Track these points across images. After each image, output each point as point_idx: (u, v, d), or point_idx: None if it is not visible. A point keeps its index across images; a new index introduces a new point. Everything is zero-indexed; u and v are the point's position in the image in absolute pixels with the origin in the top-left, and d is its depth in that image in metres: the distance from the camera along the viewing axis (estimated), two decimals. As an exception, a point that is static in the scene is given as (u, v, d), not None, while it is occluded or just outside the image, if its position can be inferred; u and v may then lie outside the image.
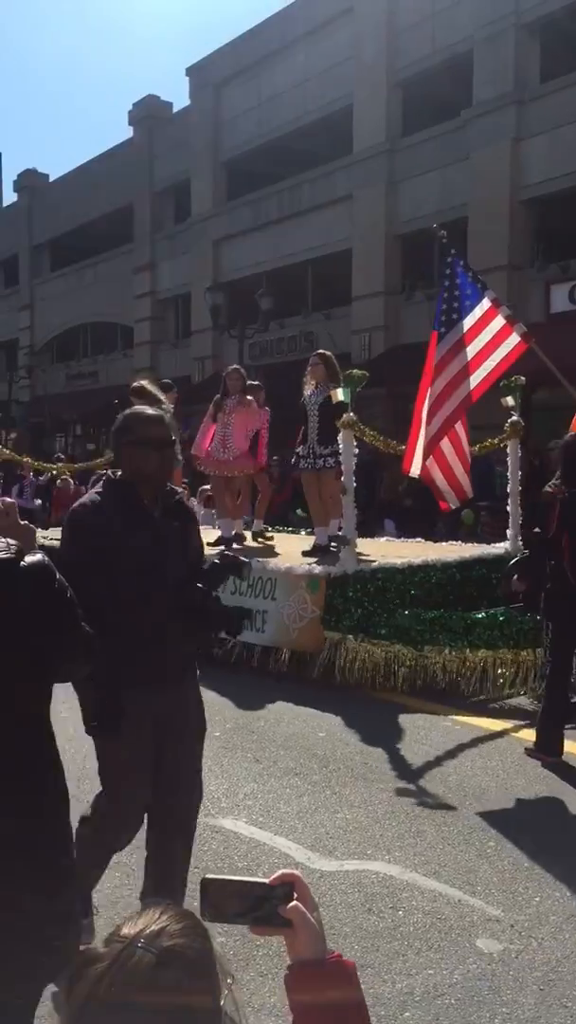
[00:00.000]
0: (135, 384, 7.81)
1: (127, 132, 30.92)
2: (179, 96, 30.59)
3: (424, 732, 6.24)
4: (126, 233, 30.58)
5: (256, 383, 9.88)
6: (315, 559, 8.26)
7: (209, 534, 10.07)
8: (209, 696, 6.90)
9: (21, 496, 17.72)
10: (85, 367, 34.06)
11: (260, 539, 9.81)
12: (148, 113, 29.62)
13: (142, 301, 29.95)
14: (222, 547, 8.40)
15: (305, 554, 8.51)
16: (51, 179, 36.35)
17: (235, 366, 9.59)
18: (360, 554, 8.12)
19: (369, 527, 14.58)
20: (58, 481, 17.44)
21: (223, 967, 1.17)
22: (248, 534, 9.84)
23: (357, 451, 7.77)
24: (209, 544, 8.70)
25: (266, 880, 1.28)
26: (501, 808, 4.91)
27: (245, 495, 10.14)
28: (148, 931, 1.13)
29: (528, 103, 18.11)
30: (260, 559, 8.14)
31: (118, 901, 3.85)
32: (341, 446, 7.60)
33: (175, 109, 29.48)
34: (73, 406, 31.61)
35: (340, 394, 7.56)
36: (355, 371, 7.68)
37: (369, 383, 7.97)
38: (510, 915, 3.74)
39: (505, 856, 4.29)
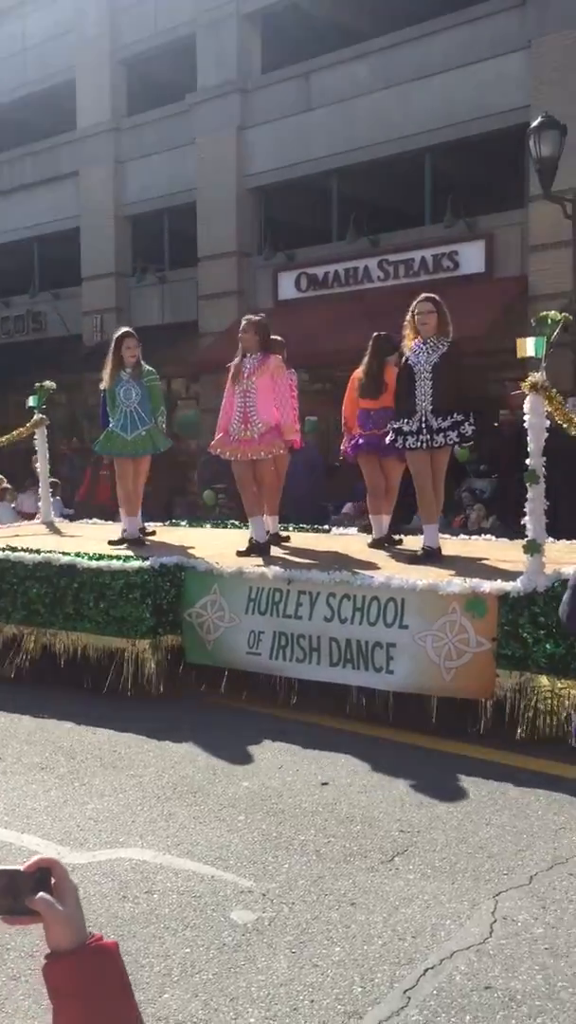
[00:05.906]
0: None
1: None
2: None
3: (178, 718, 6.29)
4: None
5: (278, 338, 7.68)
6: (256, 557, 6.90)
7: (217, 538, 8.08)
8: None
9: None
10: None
11: (283, 544, 7.82)
12: None
13: None
14: (256, 555, 7.01)
15: (240, 554, 7.11)
16: None
17: (249, 316, 7.55)
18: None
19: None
20: None
21: None
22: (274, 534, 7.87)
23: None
24: (240, 553, 7.07)
25: (20, 867, 1.25)
26: (248, 783, 5.06)
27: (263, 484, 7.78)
28: None
29: (252, 92, 18.47)
30: (366, 572, 6.30)
31: None
32: (528, 416, 5.76)
33: None
34: None
35: (530, 346, 5.76)
36: (552, 312, 5.84)
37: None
38: (261, 884, 3.88)
39: (254, 828, 4.44)
